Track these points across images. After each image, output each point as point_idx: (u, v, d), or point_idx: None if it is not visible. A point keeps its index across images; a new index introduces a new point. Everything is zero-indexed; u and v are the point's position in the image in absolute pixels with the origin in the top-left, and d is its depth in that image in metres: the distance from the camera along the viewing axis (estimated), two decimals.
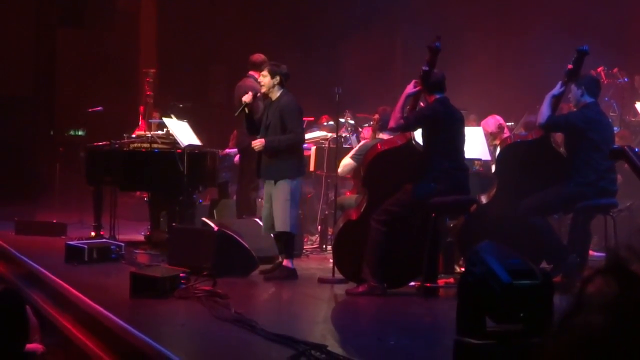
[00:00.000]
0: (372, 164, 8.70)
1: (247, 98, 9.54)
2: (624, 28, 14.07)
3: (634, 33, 14.08)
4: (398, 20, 17.78)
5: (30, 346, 6.53)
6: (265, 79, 9.49)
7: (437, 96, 8.42)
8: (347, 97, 10.45)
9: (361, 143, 11.22)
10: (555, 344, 1.27)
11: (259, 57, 11.46)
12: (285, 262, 9.39)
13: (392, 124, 8.43)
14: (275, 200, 9.31)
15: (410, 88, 8.46)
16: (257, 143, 9.42)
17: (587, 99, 8.67)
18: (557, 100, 8.72)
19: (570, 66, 8.51)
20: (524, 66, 14.17)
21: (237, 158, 12.31)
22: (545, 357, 1.28)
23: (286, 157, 9.33)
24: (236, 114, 10.04)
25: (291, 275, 9.29)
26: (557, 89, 8.64)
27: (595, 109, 8.72)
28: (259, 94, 9.77)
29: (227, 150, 12.66)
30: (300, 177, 9.51)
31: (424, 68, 8.36)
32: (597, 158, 8.49)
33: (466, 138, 8.80)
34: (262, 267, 9.53)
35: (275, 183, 9.36)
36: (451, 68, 12.76)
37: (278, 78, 9.43)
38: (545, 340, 1.29)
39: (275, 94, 9.47)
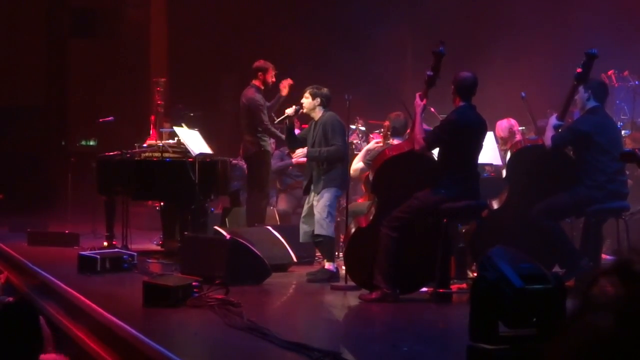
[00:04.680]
0: (381, 170, 8.70)
1: (290, 111, 10.04)
2: (634, 29, 14.03)
3: None
4: (408, 26, 17.78)
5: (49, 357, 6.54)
6: (306, 100, 9.99)
7: (462, 103, 8.39)
8: (357, 103, 10.47)
9: (369, 146, 11.23)
10: (563, 345, 1.27)
11: (254, 64, 11.63)
12: (327, 266, 9.71)
13: (416, 146, 8.41)
14: (317, 207, 9.73)
15: (419, 104, 8.47)
16: (300, 153, 10.25)
17: (592, 103, 8.69)
18: (566, 105, 8.75)
19: (579, 70, 8.51)
20: (537, 68, 14.13)
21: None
22: (553, 357, 1.28)
23: (330, 170, 9.78)
24: (276, 122, 10.78)
25: (332, 277, 9.53)
26: (556, 121, 8.67)
27: (599, 113, 8.73)
28: (301, 110, 10.08)
29: (234, 162, 12.68)
30: (342, 189, 9.91)
31: (428, 73, 8.38)
32: (605, 161, 8.48)
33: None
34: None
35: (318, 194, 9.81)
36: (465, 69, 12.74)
37: (319, 100, 9.94)
38: (553, 340, 1.29)
39: (317, 114, 9.98)
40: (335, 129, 9.83)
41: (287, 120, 10.10)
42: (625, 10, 14.31)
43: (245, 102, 11.43)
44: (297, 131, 10.56)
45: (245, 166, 12.48)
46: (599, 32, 12.55)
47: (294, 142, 10.40)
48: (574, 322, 1.28)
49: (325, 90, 9.99)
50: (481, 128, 8.54)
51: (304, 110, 10.01)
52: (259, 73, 11.51)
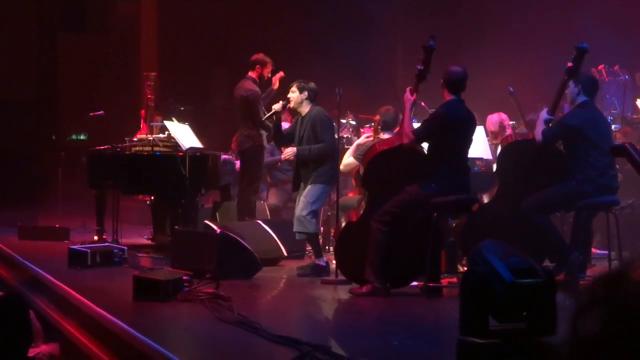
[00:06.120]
0: (371, 165, 8.70)
1: (277, 107, 9.94)
2: (624, 24, 14.05)
3: (634, 30, 14.07)
4: (398, 19, 17.79)
5: (40, 349, 6.55)
6: (293, 94, 9.87)
7: (451, 97, 8.40)
8: (348, 97, 10.45)
9: (359, 140, 11.23)
10: (567, 344, 1.29)
11: (253, 56, 11.58)
12: (317, 261, 9.69)
13: (405, 140, 8.41)
14: (300, 202, 9.69)
15: (409, 99, 8.47)
16: (289, 152, 9.97)
17: (582, 98, 8.71)
18: (557, 99, 8.76)
19: (570, 64, 8.52)
20: (529, 62, 14.16)
21: (238, 164, 12.35)
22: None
23: (318, 166, 9.70)
24: (264, 119, 10.58)
25: (323, 272, 9.51)
26: (546, 115, 8.67)
27: (589, 107, 8.74)
28: (288, 105, 9.98)
29: (224, 157, 12.65)
30: (331, 185, 9.86)
31: (418, 67, 8.37)
32: (596, 155, 8.50)
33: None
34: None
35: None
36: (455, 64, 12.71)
37: (306, 93, 9.83)
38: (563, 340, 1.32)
39: (305, 108, 9.86)
40: (324, 125, 9.77)
41: (274, 117, 10.06)
42: (617, 5, 14.33)
43: (244, 94, 11.36)
44: (287, 124, 10.51)
45: (235, 161, 12.50)
46: (590, 26, 12.58)
47: (281, 139, 10.23)
48: (573, 322, 1.31)
49: (312, 84, 9.90)
50: (470, 122, 8.55)
51: (292, 105, 9.91)
52: (257, 66, 11.48)
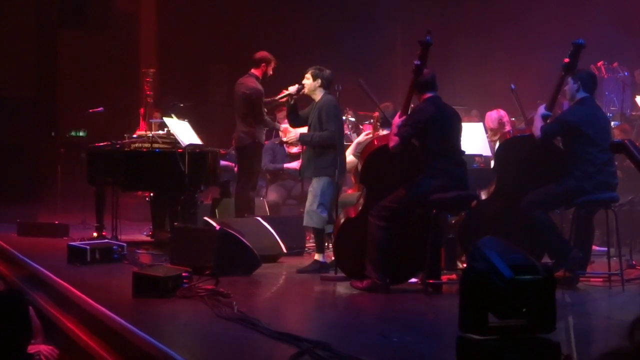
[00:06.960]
0: (369, 161, 8.70)
1: (293, 89, 9.95)
2: (623, 21, 14.05)
3: (634, 27, 14.07)
4: (398, 15, 17.78)
5: (39, 347, 6.55)
6: (307, 81, 9.90)
7: (429, 95, 8.42)
8: (347, 94, 10.45)
9: (359, 138, 11.25)
10: None
11: (258, 54, 11.52)
12: (316, 257, 9.71)
13: (391, 145, 8.39)
14: (308, 197, 9.76)
15: (396, 121, 8.47)
16: (292, 135, 10.16)
17: (582, 94, 8.71)
18: (554, 95, 8.75)
19: (567, 60, 8.53)
20: (530, 59, 14.16)
21: (236, 169, 12.36)
22: None
23: (320, 155, 9.72)
24: (277, 98, 10.46)
25: (322, 268, 9.50)
26: (544, 111, 8.67)
27: (588, 104, 8.74)
28: (303, 90, 9.95)
29: (223, 164, 12.65)
30: (334, 176, 9.71)
31: (415, 62, 8.36)
32: (594, 152, 8.50)
33: (467, 134, 8.79)
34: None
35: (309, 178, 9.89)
36: (457, 62, 12.72)
37: (320, 81, 9.87)
38: None
39: (317, 95, 9.91)
40: (329, 113, 9.74)
41: (289, 98, 10.00)
42: (617, 2, 14.33)
43: (246, 92, 11.30)
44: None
45: (231, 164, 12.53)
46: (590, 23, 12.58)
47: (296, 120, 10.12)
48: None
49: (327, 72, 9.92)
50: (454, 116, 8.59)
51: (305, 91, 9.91)
52: (263, 64, 11.42)
